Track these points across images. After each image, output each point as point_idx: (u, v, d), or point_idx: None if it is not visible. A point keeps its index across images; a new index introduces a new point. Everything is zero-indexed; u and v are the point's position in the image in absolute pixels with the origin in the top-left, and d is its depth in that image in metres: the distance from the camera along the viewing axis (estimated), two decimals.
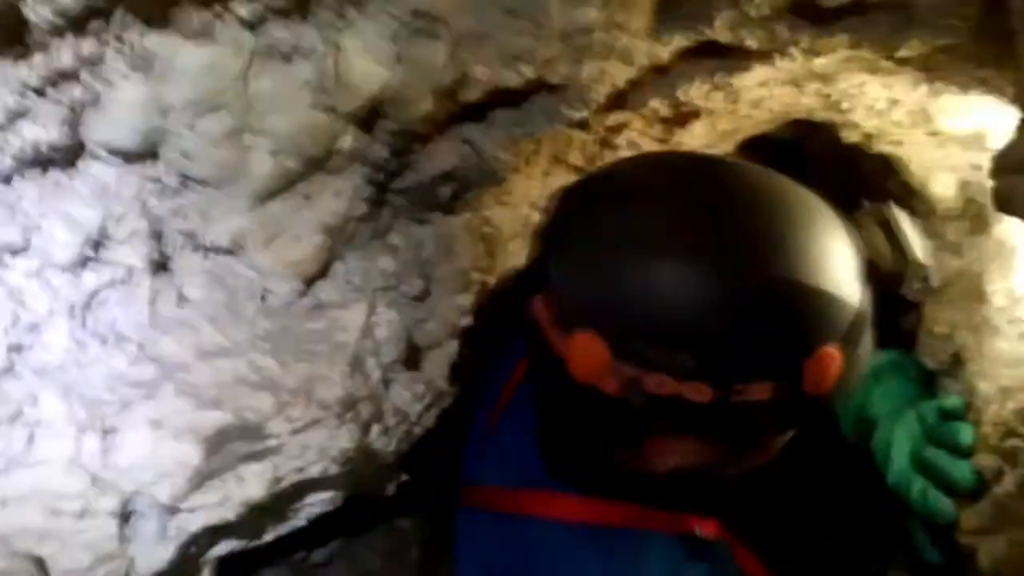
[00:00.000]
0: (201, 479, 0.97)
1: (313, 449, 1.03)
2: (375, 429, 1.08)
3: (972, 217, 1.18)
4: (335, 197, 1.01)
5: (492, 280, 1.34)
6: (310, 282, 1.07)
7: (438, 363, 1.26)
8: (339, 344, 1.04)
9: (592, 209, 0.96)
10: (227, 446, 0.97)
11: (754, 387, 0.84)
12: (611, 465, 1.00)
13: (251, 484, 1.00)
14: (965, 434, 1.08)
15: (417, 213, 1.15)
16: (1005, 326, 1.20)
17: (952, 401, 1.13)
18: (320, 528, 1.34)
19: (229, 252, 1.01)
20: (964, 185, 1.19)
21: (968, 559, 1.12)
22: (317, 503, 1.15)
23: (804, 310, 0.86)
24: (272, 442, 1.00)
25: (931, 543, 1.14)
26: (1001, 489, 1.10)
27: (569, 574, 1.07)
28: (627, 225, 0.90)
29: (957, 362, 1.26)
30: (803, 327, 0.86)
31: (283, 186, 0.98)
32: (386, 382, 1.09)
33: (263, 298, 1.04)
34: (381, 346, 1.07)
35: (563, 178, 1.26)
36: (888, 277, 1.11)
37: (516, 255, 1.35)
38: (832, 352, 0.86)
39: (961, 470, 1.07)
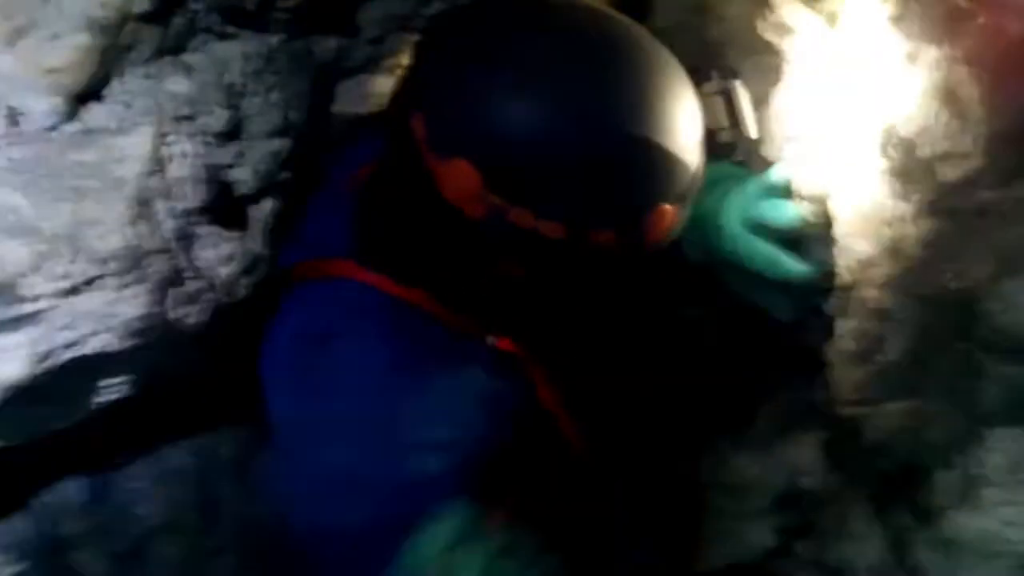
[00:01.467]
0: None
1: (88, 317, 0.79)
2: (172, 295, 0.84)
3: None
4: None
5: (314, 129, 1.11)
6: (75, 101, 0.81)
7: (252, 220, 1.03)
8: (115, 180, 0.79)
9: (473, 38, 0.95)
10: None
11: (601, 233, 0.93)
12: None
13: (7, 361, 0.75)
14: (790, 209, 1.08)
15: (220, 24, 0.90)
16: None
17: (777, 176, 1.10)
18: (115, 423, 1.10)
19: None
20: None
21: (850, 433, 1.01)
22: (102, 389, 0.91)
23: (654, 169, 0.93)
24: (29, 306, 0.75)
25: (781, 299, 1.15)
26: (885, 356, 0.98)
27: (377, 335, 1.03)
28: (506, 59, 0.92)
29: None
30: (650, 184, 0.94)
31: None
32: (184, 236, 0.85)
33: (11, 119, 0.78)
34: (174, 187, 0.82)
35: None
36: (723, 146, 1.14)
37: (354, 97, 1.12)
38: (669, 210, 0.94)
39: (790, 212, 1.08)
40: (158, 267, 0.82)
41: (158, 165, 0.82)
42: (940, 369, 0.87)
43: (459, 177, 0.91)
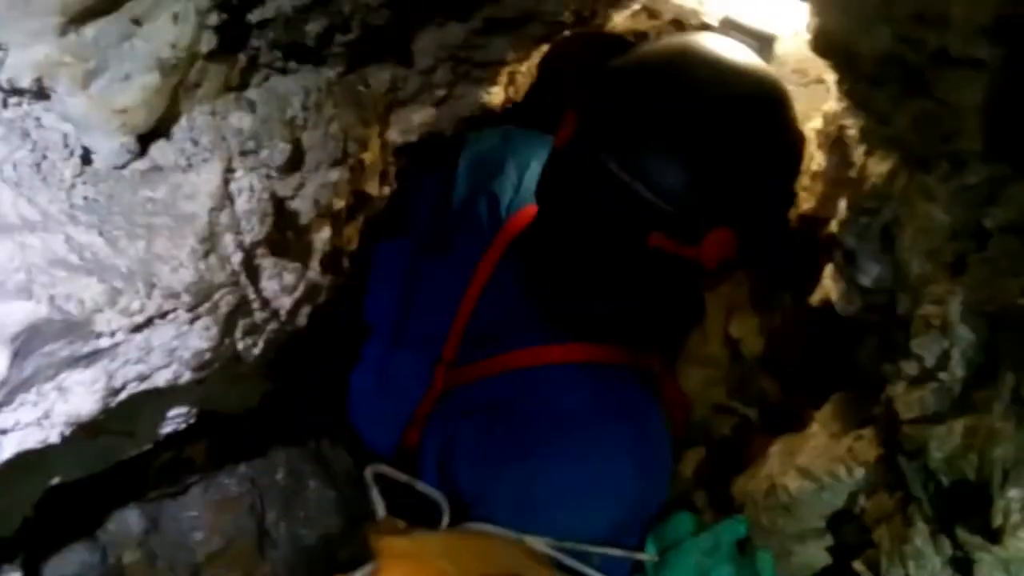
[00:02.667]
0: (10, 391, 0.72)
1: (160, 350, 0.80)
2: (240, 326, 0.85)
3: None
4: (173, 22, 0.77)
5: (368, 157, 1.12)
6: (144, 139, 0.82)
7: (312, 250, 1.04)
8: (186, 216, 0.80)
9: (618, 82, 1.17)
10: (43, 347, 0.73)
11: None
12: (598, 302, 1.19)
13: (78, 396, 0.76)
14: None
15: (281, 60, 0.92)
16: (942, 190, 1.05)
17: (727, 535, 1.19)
18: (172, 451, 1.12)
19: (34, 95, 0.75)
20: None
21: (913, 452, 1.00)
22: (166, 420, 0.92)
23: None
24: (104, 342, 0.76)
25: None
26: (949, 374, 0.97)
27: (567, 403, 1.17)
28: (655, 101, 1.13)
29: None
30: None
31: (102, 2, 0.73)
32: (250, 268, 0.86)
33: (84, 159, 0.79)
34: (241, 220, 0.83)
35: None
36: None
37: (405, 128, 1.12)
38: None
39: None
40: (227, 299, 0.83)
41: (226, 200, 0.83)
42: (1007, 385, 0.86)
43: (723, 244, 1.15)
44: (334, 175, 1.02)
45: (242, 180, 0.85)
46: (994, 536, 0.86)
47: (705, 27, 1.32)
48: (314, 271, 1.00)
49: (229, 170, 0.83)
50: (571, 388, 1.21)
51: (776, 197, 1.23)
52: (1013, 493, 0.84)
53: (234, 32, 0.83)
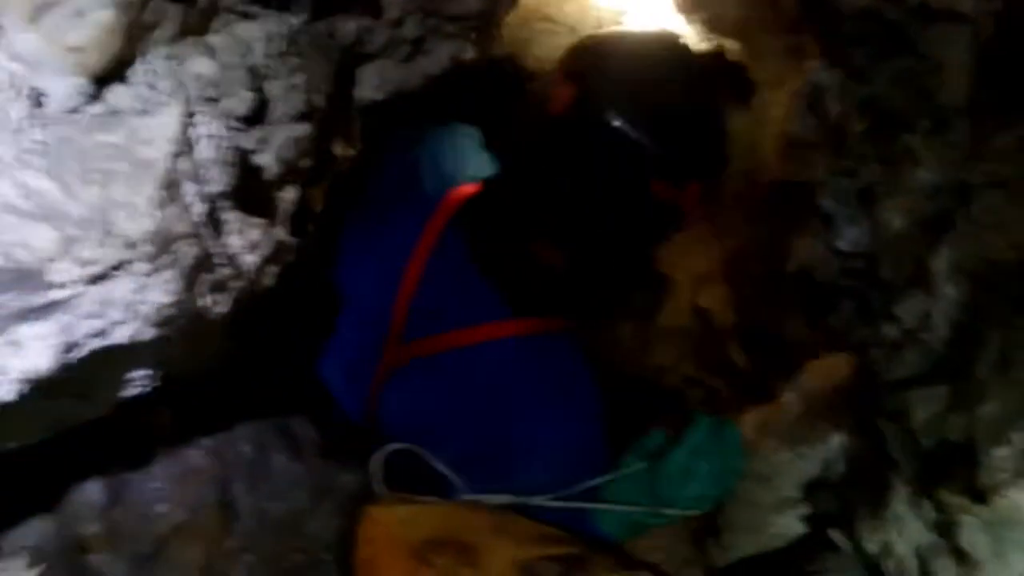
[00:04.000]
0: None
1: (117, 304, 0.75)
2: (203, 281, 0.80)
3: None
4: None
5: (334, 115, 1.07)
6: (99, 82, 0.77)
7: (278, 208, 0.99)
8: (144, 161, 0.75)
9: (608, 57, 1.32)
10: None
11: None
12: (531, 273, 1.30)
13: (33, 351, 0.71)
14: None
15: (243, 3, 0.86)
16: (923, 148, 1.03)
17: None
18: (134, 420, 1.06)
19: None
20: None
21: (895, 415, 0.97)
22: (127, 382, 0.87)
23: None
24: (58, 293, 0.71)
25: None
26: (932, 333, 0.94)
27: (520, 378, 1.30)
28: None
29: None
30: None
31: None
32: (213, 221, 0.81)
33: (35, 100, 0.74)
34: (202, 169, 0.78)
35: None
36: None
37: (372, 85, 1.08)
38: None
39: None
40: (188, 252, 0.78)
41: (186, 146, 0.77)
42: (993, 343, 0.83)
43: (697, 194, 1.30)
44: (299, 130, 0.97)
45: (202, 127, 0.80)
46: (980, 496, 0.84)
47: None
48: (281, 230, 0.96)
49: (188, 115, 0.78)
50: (517, 362, 1.35)
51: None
52: (1000, 452, 0.81)
53: None
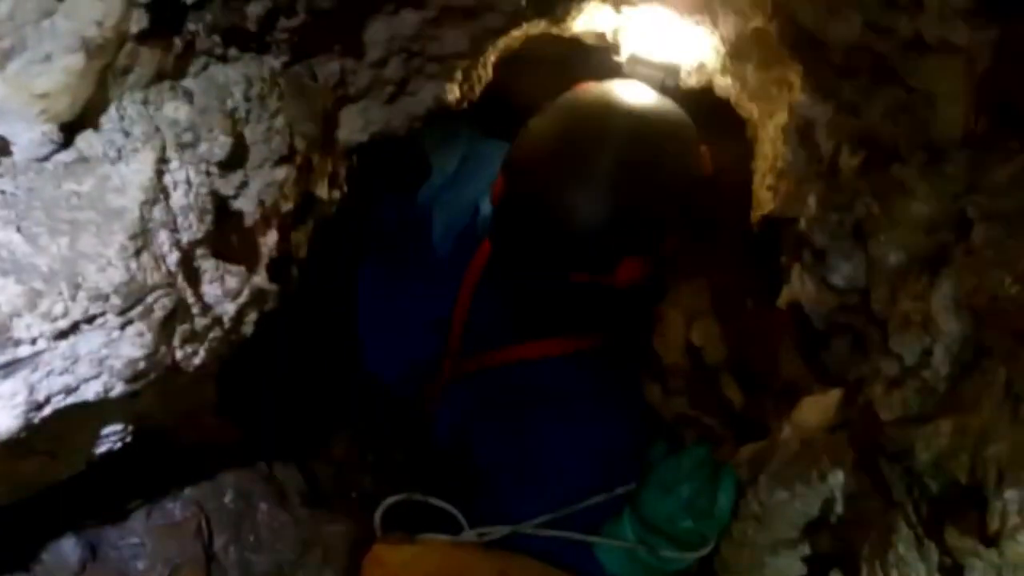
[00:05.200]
0: None
1: (88, 359, 0.71)
2: (178, 333, 0.77)
3: None
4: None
5: (317, 156, 1.04)
6: (69, 129, 0.73)
7: (258, 254, 0.96)
8: (114, 211, 0.71)
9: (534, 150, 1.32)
10: None
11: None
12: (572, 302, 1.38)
13: None
14: None
15: (221, 46, 0.83)
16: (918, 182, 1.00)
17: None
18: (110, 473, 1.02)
19: None
20: None
21: (897, 455, 0.93)
22: (100, 439, 0.83)
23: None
24: (24, 350, 0.67)
25: None
26: (933, 371, 0.91)
27: (564, 393, 1.37)
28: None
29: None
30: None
31: None
32: (189, 270, 0.77)
33: (1, 149, 0.70)
34: (178, 216, 0.75)
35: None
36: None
37: (356, 127, 1.05)
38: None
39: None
40: (162, 302, 0.74)
41: (160, 193, 0.74)
42: (998, 380, 0.80)
43: (633, 270, 1.32)
44: (280, 174, 0.93)
45: (178, 173, 0.76)
46: (990, 540, 0.80)
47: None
48: (260, 276, 0.92)
49: (163, 160, 0.74)
50: (562, 373, 1.42)
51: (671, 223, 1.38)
52: (1010, 494, 0.77)
53: (168, 12, 0.75)
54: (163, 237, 0.74)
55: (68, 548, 1.12)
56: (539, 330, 1.47)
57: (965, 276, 0.84)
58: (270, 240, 0.98)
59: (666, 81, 1.39)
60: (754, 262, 1.47)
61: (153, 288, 0.72)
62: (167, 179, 0.75)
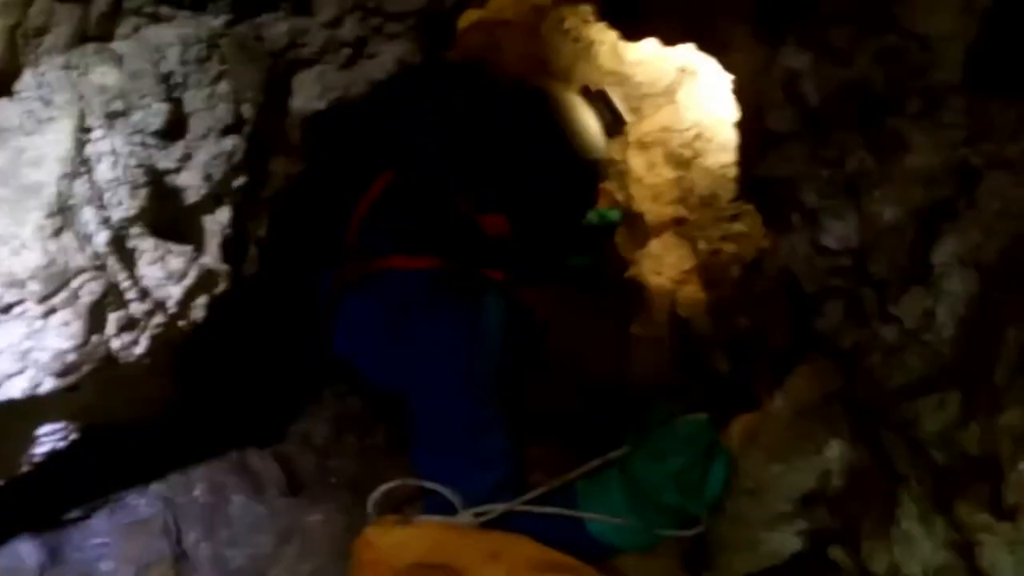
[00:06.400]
0: None
1: (9, 352, 0.62)
2: (112, 320, 0.68)
3: None
4: None
5: (269, 127, 0.95)
6: None
7: (207, 232, 0.87)
8: (29, 186, 0.62)
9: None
10: None
11: None
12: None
13: None
14: None
15: (152, 4, 0.75)
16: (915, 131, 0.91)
17: None
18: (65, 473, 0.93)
19: None
20: None
21: (899, 429, 0.86)
22: (40, 438, 0.74)
23: None
24: None
25: None
26: (937, 334, 0.83)
27: (435, 302, 1.40)
28: None
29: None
30: None
31: None
32: (122, 250, 0.69)
33: None
34: (105, 192, 0.66)
35: None
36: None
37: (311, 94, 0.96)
38: None
39: None
40: (89, 287, 0.66)
41: (82, 166, 0.65)
42: (1010, 343, 0.72)
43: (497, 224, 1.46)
44: (227, 144, 0.85)
45: (102, 143, 0.67)
46: (1005, 515, 0.72)
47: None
48: (210, 256, 0.84)
49: (84, 130, 0.65)
50: (424, 283, 1.44)
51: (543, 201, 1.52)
52: None
53: None
54: (88, 215, 0.65)
55: (25, 552, 1.04)
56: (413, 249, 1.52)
57: (970, 230, 0.76)
58: (221, 217, 0.89)
59: (611, 125, 1.60)
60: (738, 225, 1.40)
61: (78, 272, 0.64)
62: (90, 150, 0.66)
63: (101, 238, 0.67)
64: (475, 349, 1.38)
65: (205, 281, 0.82)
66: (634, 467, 1.25)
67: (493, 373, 1.38)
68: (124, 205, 0.70)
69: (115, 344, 0.71)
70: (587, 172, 1.59)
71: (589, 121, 1.57)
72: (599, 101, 1.60)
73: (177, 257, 0.78)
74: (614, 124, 1.60)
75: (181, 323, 0.81)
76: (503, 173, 1.51)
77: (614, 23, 1.50)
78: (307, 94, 1.00)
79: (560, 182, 1.55)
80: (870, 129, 0.92)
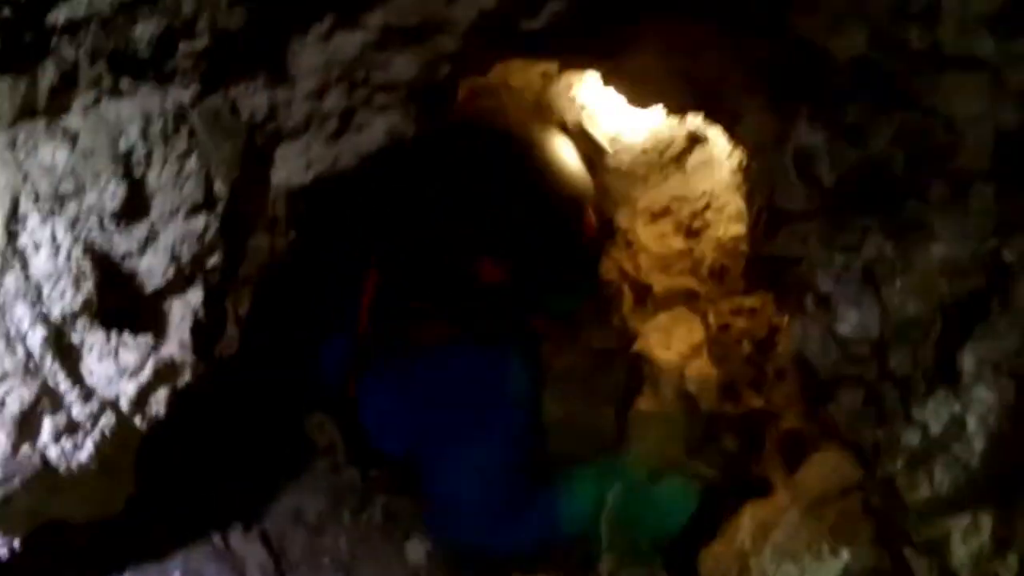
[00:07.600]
0: None
1: None
2: (47, 427, 0.60)
3: None
4: None
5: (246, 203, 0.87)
6: None
7: (171, 319, 0.79)
8: None
9: None
10: None
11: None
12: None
13: None
14: None
15: (110, 75, 0.67)
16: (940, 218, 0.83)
17: None
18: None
19: None
20: None
21: (928, 547, 0.76)
22: None
23: None
24: None
25: None
26: (967, 446, 0.74)
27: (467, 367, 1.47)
28: None
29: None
30: None
31: None
32: (62, 348, 0.60)
33: None
34: (42, 285, 0.58)
35: None
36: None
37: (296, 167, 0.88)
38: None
39: None
40: (19, 394, 0.57)
41: (14, 259, 0.57)
42: None
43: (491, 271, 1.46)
44: (198, 223, 0.77)
45: (39, 232, 0.60)
46: None
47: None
48: (173, 345, 0.75)
49: (15, 219, 0.58)
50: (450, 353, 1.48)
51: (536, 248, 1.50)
52: None
53: (29, 35, 0.58)
54: (19, 312, 0.57)
55: None
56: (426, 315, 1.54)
57: (1007, 335, 0.67)
58: (193, 299, 0.81)
59: (594, 157, 1.58)
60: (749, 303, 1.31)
61: (2, 377, 0.55)
62: (23, 241, 0.58)
63: (36, 337, 0.59)
64: (507, 401, 1.45)
65: (165, 373, 0.74)
66: (617, 504, 1.35)
67: (524, 425, 1.45)
68: (67, 299, 0.62)
69: (52, 452, 0.63)
70: (570, 205, 1.55)
71: (569, 155, 1.55)
72: (578, 134, 1.59)
73: (131, 351, 0.70)
74: (595, 155, 1.59)
75: (137, 421, 0.72)
76: (489, 220, 1.49)
77: (620, 89, 1.44)
78: (291, 167, 0.92)
79: (544, 220, 1.52)
80: (889, 213, 0.83)
